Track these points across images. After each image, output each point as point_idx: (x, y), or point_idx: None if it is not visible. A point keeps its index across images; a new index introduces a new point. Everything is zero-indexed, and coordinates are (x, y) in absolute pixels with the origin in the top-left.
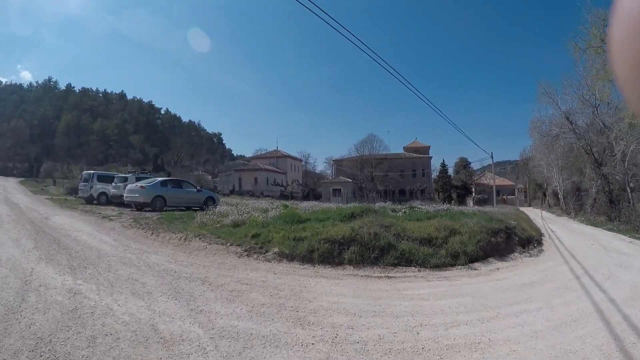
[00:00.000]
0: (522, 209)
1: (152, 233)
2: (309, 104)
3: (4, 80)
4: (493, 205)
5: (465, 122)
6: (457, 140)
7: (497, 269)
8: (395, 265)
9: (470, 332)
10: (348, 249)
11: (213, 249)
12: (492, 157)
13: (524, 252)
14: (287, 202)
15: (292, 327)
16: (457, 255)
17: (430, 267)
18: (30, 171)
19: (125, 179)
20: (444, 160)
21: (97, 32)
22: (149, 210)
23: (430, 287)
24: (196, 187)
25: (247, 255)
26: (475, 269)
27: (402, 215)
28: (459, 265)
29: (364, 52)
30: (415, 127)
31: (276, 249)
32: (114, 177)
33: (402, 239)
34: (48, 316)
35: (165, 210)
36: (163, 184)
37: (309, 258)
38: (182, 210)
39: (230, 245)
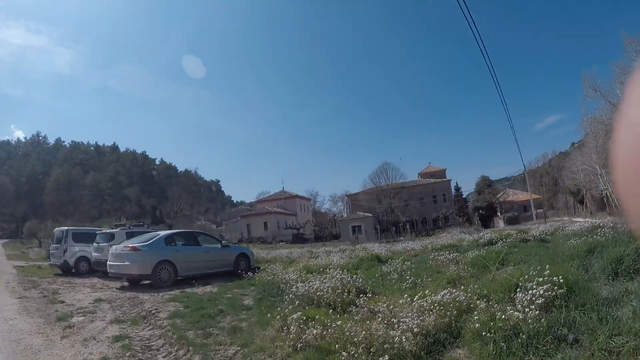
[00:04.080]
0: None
1: None
2: (310, 142)
3: None
4: (534, 219)
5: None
6: (471, 160)
7: None
8: None
9: None
10: None
11: None
12: (524, 168)
13: None
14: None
15: None
16: None
17: None
18: (16, 232)
19: (111, 237)
20: (457, 184)
21: (87, 88)
22: (149, 286)
23: None
24: (220, 241)
25: None
26: None
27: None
28: None
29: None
30: (426, 151)
31: None
32: (96, 235)
33: None
34: None
35: (178, 284)
36: (169, 240)
37: None
38: (205, 279)
39: None
